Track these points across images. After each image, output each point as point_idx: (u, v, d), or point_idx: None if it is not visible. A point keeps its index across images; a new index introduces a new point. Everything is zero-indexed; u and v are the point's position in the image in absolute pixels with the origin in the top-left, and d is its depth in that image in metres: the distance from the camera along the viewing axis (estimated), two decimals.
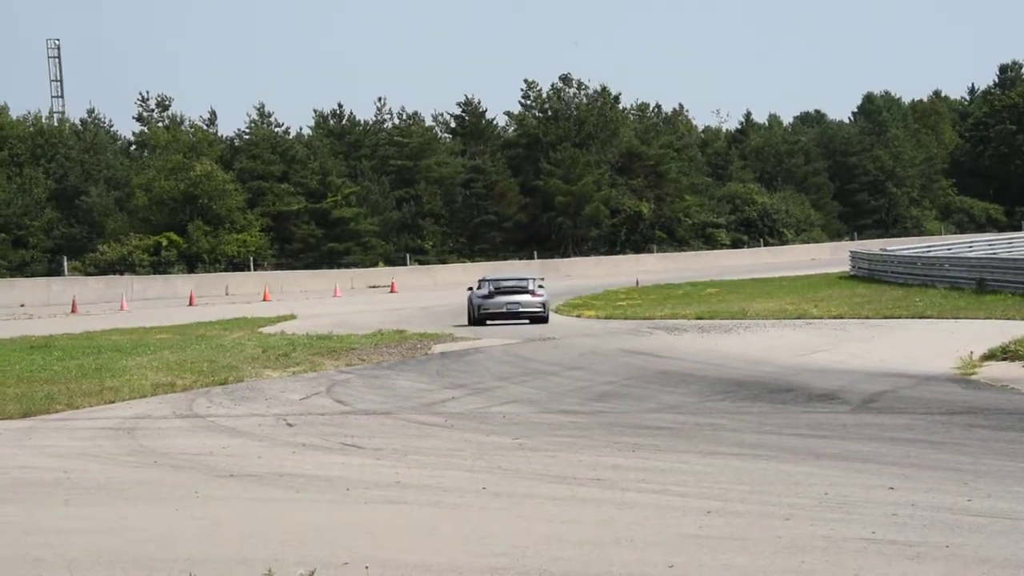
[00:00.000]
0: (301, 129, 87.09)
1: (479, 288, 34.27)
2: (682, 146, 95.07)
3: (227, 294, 59.82)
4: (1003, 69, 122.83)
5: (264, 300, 53.85)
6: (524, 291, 33.73)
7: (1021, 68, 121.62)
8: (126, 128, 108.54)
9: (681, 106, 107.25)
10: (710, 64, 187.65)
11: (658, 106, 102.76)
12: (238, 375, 21.91)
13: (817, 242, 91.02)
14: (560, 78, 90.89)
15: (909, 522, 9.27)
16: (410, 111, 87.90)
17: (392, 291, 59.71)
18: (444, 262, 77.51)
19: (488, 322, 33.49)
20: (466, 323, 34.11)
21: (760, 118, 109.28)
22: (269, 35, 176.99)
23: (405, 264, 74.37)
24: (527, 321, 33.37)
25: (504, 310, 33.44)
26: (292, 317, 39.26)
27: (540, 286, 34.25)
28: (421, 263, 76.24)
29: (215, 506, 10.89)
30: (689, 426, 15.07)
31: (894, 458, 12.23)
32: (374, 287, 64.48)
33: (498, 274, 38.08)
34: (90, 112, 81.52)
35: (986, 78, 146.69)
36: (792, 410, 16.21)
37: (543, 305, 33.73)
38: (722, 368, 21.54)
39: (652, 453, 13.06)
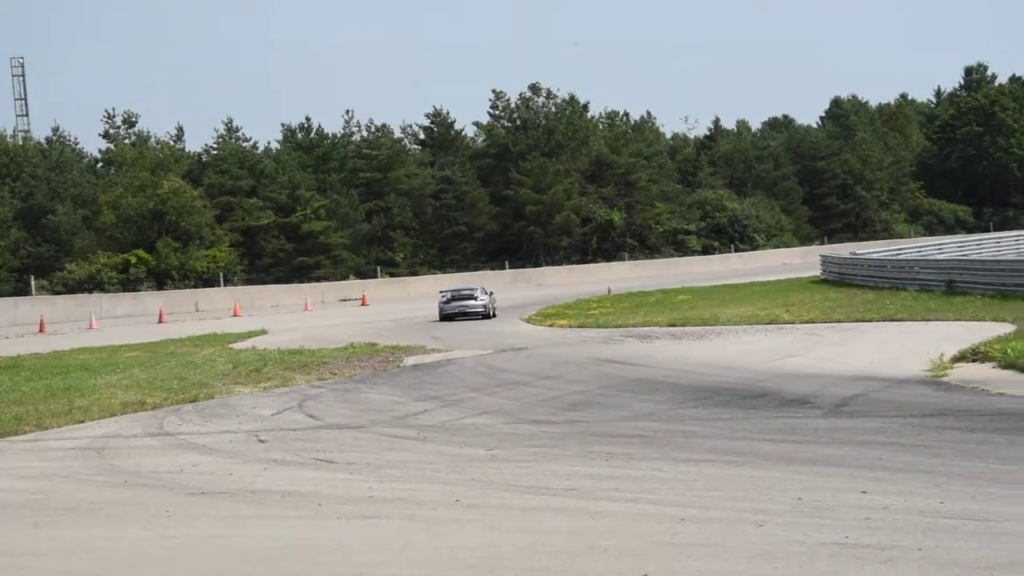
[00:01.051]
0: (269, 143, 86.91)
1: (443, 297, 45.75)
2: (652, 154, 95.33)
3: (197, 310, 59.53)
4: (968, 71, 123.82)
5: (235, 316, 53.65)
6: (471, 297, 45.03)
7: (986, 70, 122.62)
8: (92, 145, 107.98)
9: (649, 113, 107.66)
10: (678, 71, 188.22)
11: (627, 114, 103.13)
12: (209, 392, 21.80)
13: (788, 247, 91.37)
14: (529, 87, 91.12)
15: (882, 525, 9.26)
16: (378, 123, 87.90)
17: (363, 304, 59.60)
18: (415, 274, 77.41)
19: (452, 320, 43.68)
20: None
21: (729, 124, 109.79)
22: (236, 49, 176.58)
23: (376, 277, 74.22)
24: (476, 318, 43.86)
25: (457, 311, 44.36)
26: (263, 332, 39.12)
27: (485, 293, 45.68)
28: (392, 275, 76.10)
29: (186, 525, 10.80)
30: (662, 434, 15.04)
31: (866, 461, 12.24)
32: (345, 300, 64.34)
33: (455, 286, 49.33)
34: (55, 130, 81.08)
35: (952, 80, 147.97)
36: (764, 415, 16.20)
37: (484, 306, 44.76)
38: (694, 375, 21.56)
39: (625, 462, 13.03)
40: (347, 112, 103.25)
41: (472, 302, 44.77)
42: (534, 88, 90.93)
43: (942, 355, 21.23)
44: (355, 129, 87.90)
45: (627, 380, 21.32)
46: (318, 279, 71.99)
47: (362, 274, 75.19)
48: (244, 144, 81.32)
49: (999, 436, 13.55)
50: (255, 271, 73.58)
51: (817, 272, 54.57)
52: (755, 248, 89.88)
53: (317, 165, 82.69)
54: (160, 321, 51.86)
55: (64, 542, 10.32)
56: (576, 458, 13.40)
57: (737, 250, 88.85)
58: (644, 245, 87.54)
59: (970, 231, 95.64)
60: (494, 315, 44.85)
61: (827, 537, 8.96)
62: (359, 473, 13.04)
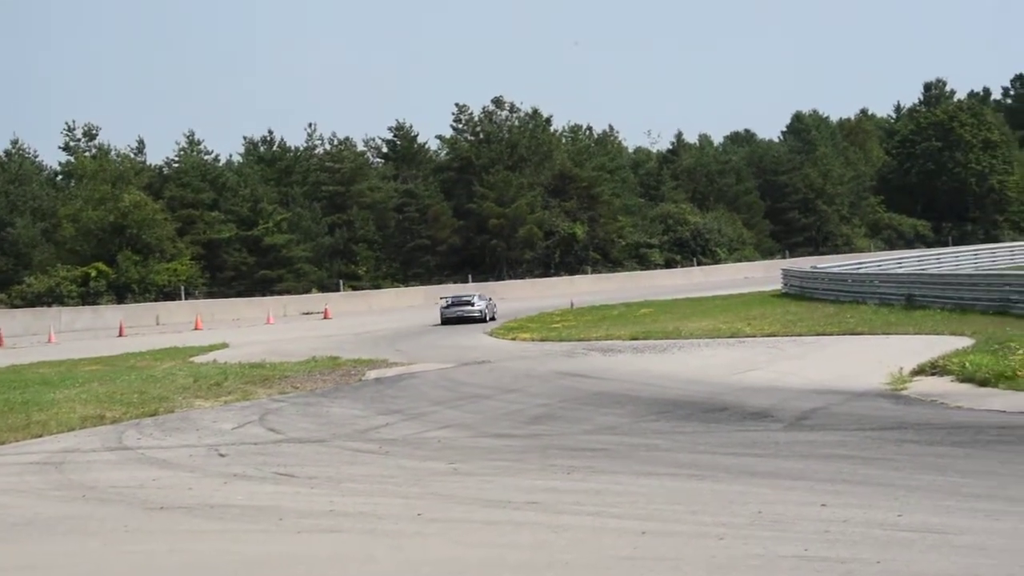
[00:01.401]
0: (231, 156, 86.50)
1: (443, 302, 51.07)
2: (614, 167, 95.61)
3: (158, 324, 59.16)
4: (928, 87, 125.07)
5: (196, 329, 53.33)
6: (469, 303, 50.30)
7: (945, 86, 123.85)
8: (52, 158, 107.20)
9: (612, 127, 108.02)
10: (640, 85, 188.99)
11: (590, 128, 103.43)
12: (169, 406, 21.66)
13: (750, 260, 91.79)
14: (492, 101, 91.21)
15: (841, 538, 9.31)
16: (341, 136, 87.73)
17: (326, 317, 59.39)
18: (378, 287, 77.22)
19: (452, 323, 48.55)
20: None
21: (691, 138, 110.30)
22: (198, 62, 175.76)
23: (338, 290, 74.00)
24: (474, 321, 48.38)
25: (456, 315, 49.34)
26: (224, 346, 38.91)
27: (482, 299, 50.91)
28: (355, 289, 75.88)
29: (145, 540, 10.71)
30: (624, 447, 15.06)
31: (826, 475, 12.30)
32: (307, 314, 64.12)
33: (455, 294, 55.02)
34: (14, 143, 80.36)
35: (911, 96, 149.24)
36: (726, 429, 16.26)
37: (480, 311, 49.51)
38: (656, 388, 21.61)
39: (587, 475, 13.03)
40: (310, 125, 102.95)
41: (470, 307, 49.82)
42: (497, 101, 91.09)
43: (902, 369, 21.38)
44: (318, 142, 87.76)
45: (589, 393, 21.34)
46: (280, 292, 71.69)
47: (325, 287, 74.95)
48: (206, 157, 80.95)
49: (957, 449, 13.64)
50: (217, 284, 73.19)
51: (779, 286, 54.81)
52: (717, 262, 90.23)
53: (279, 178, 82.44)
54: (120, 335, 51.50)
55: (22, 557, 10.22)
56: (538, 472, 13.40)
57: (699, 264, 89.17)
58: (607, 259, 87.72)
59: (929, 245, 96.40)
60: (493, 319, 49.34)
61: (787, 550, 8.99)
62: (320, 487, 12.98)
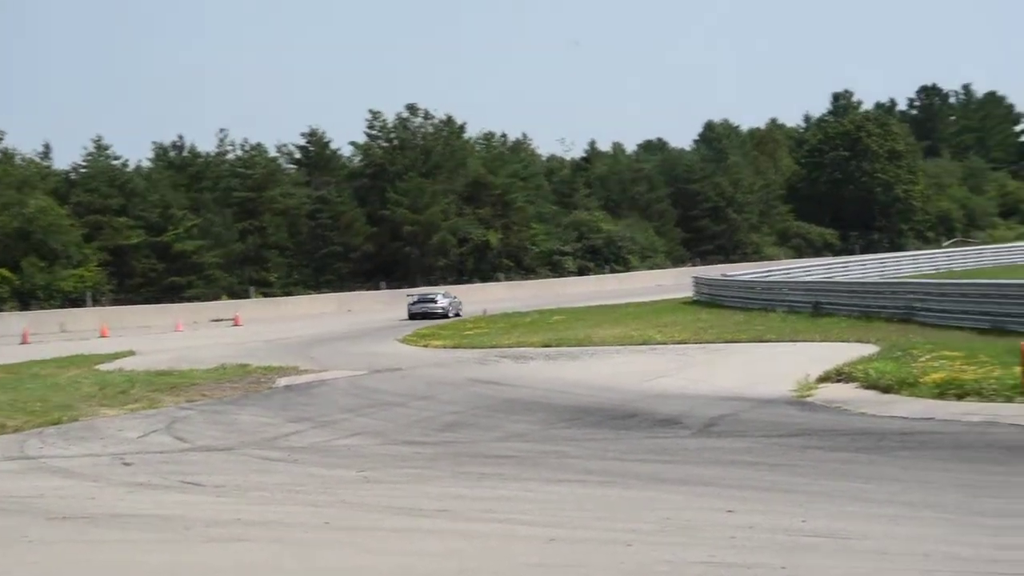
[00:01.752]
0: (140, 162, 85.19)
1: (411, 299, 57.29)
2: (528, 175, 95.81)
3: (63, 331, 58.02)
4: (836, 97, 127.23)
5: (102, 336, 52.48)
6: (433, 301, 56.42)
7: (852, 96, 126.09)
8: None
9: (526, 135, 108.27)
10: (554, 93, 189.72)
11: (504, 135, 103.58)
12: (73, 414, 21.28)
13: (661, 268, 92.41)
14: (406, 107, 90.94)
15: (747, 544, 9.40)
16: (253, 142, 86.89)
17: (236, 324, 58.80)
18: (290, 294, 76.54)
19: (418, 318, 53.38)
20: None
21: (604, 146, 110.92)
22: (106, 66, 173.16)
23: (249, 297, 73.28)
24: (438, 317, 53.38)
25: (421, 311, 54.90)
26: (131, 353, 38.31)
27: (446, 298, 57.42)
28: (266, 295, 75.15)
29: (46, 550, 10.52)
30: (535, 454, 15.10)
31: (733, 481, 12.42)
32: (218, 321, 63.37)
33: (422, 291, 61.75)
34: None
35: (820, 106, 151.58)
36: (636, 436, 16.35)
37: (444, 308, 55.57)
38: (568, 395, 21.68)
39: (498, 482, 13.05)
40: (221, 131, 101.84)
41: (433, 304, 55.97)
42: (411, 108, 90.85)
43: (808, 376, 21.65)
44: (229, 148, 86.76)
45: (501, 401, 21.35)
46: (190, 299, 70.77)
47: (235, 294, 74.12)
48: (114, 162, 79.66)
49: (860, 455, 13.86)
50: (124, 291, 72.01)
51: (690, 293, 55.26)
52: (629, 269, 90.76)
53: (190, 184, 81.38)
54: (24, 342, 50.51)
55: None
56: (448, 479, 13.38)
57: (612, 271, 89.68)
58: (520, 266, 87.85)
59: (837, 254, 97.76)
60: (458, 315, 55.50)
61: (694, 556, 9.07)
62: (227, 496, 12.85)
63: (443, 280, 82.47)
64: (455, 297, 59.10)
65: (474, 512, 11.29)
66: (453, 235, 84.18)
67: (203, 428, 19.36)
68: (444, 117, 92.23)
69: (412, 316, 54.72)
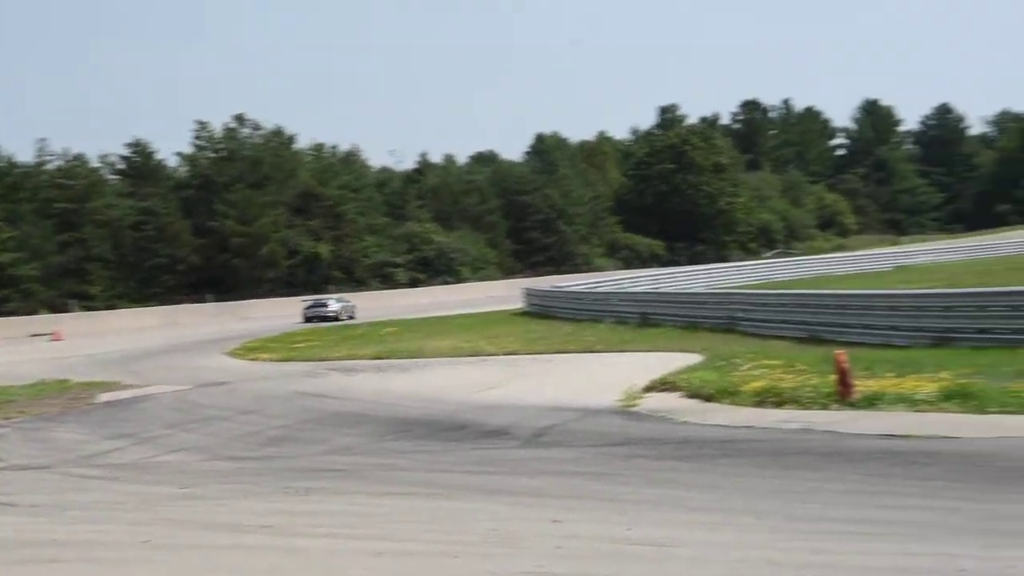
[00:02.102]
0: None
1: (306, 304, 62.24)
2: (360, 186, 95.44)
3: None
4: (663, 111, 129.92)
5: None
6: (325, 305, 61.18)
7: (677, 110, 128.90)
8: None
9: (357, 147, 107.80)
10: (385, 105, 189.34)
11: (335, 147, 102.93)
12: None
13: (493, 279, 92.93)
14: (234, 118, 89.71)
15: (572, 554, 9.46)
16: (74, 152, 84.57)
17: (57, 339, 57.10)
18: (113, 307, 74.64)
19: (312, 321, 57.68)
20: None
21: (436, 158, 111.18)
22: None
23: (70, 311, 71.15)
24: (331, 320, 58.42)
25: (315, 315, 59.16)
26: None
27: (338, 302, 62.73)
28: (88, 309, 73.11)
29: None
30: (362, 467, 14.98)
31: (560, 491, 12.51)
32: (36, 336, 61.39)
33: (316, 297, 66.58)
34: None
35: (647, 119, 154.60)
36: (464, 447, 16.36)
37: (336, 312, 60.27)
38: (397, 407, 21.59)
39: (324, 496, 12.91)
40: (39, 141, 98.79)
41: (325, 308, 60.90)
42: (239, 119, 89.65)
43: (634, 385, 21.93)
44: (49, 158, 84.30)
45: (329, 414, 21.16)
46: (6, 314, 68.42)
47: (55, 308, 71.94)
48: None
49: (683, 463, 14.09)
50: None
51: (521, 304, 55.64)
52: (461, 281, 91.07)
53: (7, 195, 78.76)
54: None
55: None
56: (273, 494, 13.18)
57: (444, 283, 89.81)
58: (351, 278, 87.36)
59: (664, 265, 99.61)
60: (351, 318, 60.02)
61: (519, 567, 9.08)
62: (42, 515, 12.42)
63: (273, 292, 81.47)
64: (349, 302, 63.98)
65: (299, 527, 11.12)
66: (283, 247, 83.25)
67: (19, 446, 18.72)
68: (273, 127, 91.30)
69: (307, 319, 58.66)
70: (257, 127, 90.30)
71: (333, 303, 61.82)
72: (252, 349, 40.42)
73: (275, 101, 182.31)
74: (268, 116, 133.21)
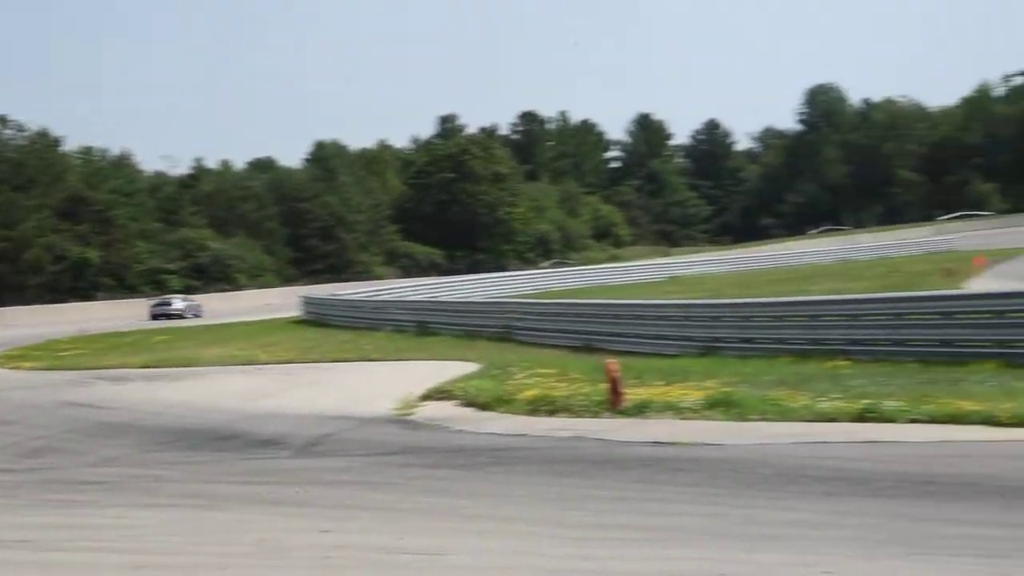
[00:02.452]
0: None
1: (153, 302, 65.99)
2: (132, 191, 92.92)
3: None
4: (443, 120, 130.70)
5: None
6: (169, 304, 65.76)
7: (456, 120, 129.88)
8: None
9: (128, 151, 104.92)
10: (158, 109, 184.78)
11: (105, 150, 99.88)
12: None
13: (271, 287, 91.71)
14: None
15: (341, 563, 9.37)
16: None
17: None
18: None
19: (158, 319, 61.37)
20: None
21: (212, 164, 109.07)
22: None
23: None
24: (175, 318, 62.18)
25: (161, 312, 63.48)
26: None
27: (183, 301, 67.47)
28: None
29: None
30: (127, 479, 14.54)
31: (331, 501, 12.40)
32: None
33: (163, 296, 70.61)
34: None
35: (428, 128, 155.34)
36: (233, 457, 16.04)
37: (179, 310, 64.74)
38: (166, 417, 21.03)
39: (86, 509, 12.49)
40: None
41: (170, 307, 65.74)
42: (1, 120, 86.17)
43: (411, 394, 21.91)
44: None
45: (95, 424, 20.46)
46: None
47: None
48: None
49: (456, 472, 14.13)
50: None
51: (298, 313, 55.06)
52: (238, 288, 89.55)
53: None
54: None
55: None
56: (31, 508, 12.66)
57: (220, 290, 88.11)
58: (122, 284, 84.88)
59: (443, 273, 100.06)
60: (197, 316, 64.21)
61: None
62: None
63: (37, 299, 78.42)
64: (194, 302, 69.02)
65: (58, 541, 10.70)
66: (48, 252, 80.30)
67: None
68: (38, 129, 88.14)
69: (154, 317, 62.99)
70: (21, 128, 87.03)
71: (178, 302, 66.58)
72: (13, 357, 38.80)
73: (40, 103, 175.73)
74: (32, 118, 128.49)
